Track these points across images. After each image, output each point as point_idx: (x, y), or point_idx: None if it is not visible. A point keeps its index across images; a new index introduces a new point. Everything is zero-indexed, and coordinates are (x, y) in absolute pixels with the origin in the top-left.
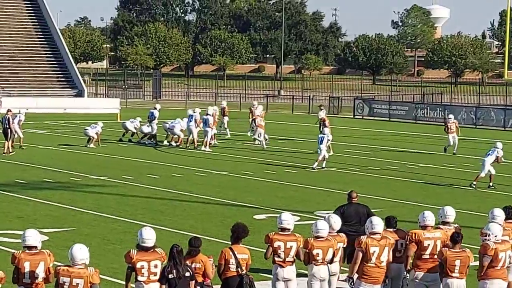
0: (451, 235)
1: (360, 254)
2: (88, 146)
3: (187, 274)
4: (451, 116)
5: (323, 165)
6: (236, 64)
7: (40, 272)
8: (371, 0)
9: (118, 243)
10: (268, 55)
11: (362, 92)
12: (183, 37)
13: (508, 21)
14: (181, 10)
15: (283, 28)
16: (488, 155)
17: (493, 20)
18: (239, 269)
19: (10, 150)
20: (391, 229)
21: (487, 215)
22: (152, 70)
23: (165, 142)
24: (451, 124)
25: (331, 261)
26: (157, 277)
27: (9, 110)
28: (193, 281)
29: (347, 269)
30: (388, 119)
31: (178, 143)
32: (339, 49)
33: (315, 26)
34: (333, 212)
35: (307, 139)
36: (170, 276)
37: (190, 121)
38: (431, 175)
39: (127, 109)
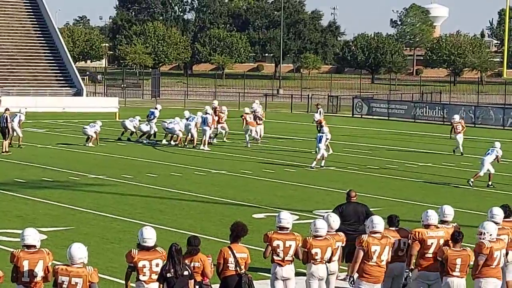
0: (451, 234)
1: (361, 253)
2: (87, 145)
3: (186, 273)
4: (455, 116)
5: (322, 164)
6: (235, 63)
7: (39, 271)
8: None
9: (117, 242)
10: (267, 54)
11: (361, 91)
12: (181, 36)
13: (507, 20)
14: (180, 9)
15: (281, 27)
16: (488, 154)
17: (492, 19)
18: (237, 268)
19: (8, 149)
20: (394, 228)
21: (486, 214)
22: (151, 69)
23: (164, 141)
24: (456, 124)
25: (330, 260)
26: None
27: (7, 109)
28: (192, 280)
29: (346, 268)
30: (387, 118)
31: (177, 142)
32: (338, 48)
33: (314, 25)
34: (332, 211)
35: (306, 138)
36: (168, 275)
37: (191, 122)
38: (430, 174)
39: (125, 108)
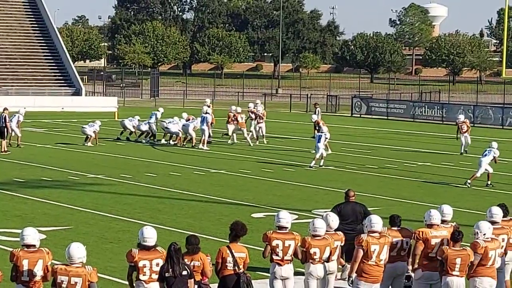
0: (451, 233)
1: (361, 253)
2: (86, 144)
3: (184, 272)
4: (460, 116)
5: (321, 164)
6: (234, 62)
7: (38, 270)
8: None
9: (115, 242)
10: (266, 54)
11: (360, 90)
12: (180, 35)
13: (506, 20)
14: (179, 9)
15: (280, 27)
16: (485, 155)
17: (491, 18)
18: (236, 268)
19: (6, 149)
20: (396, 228)
21: (485, 213)
22: (149, 69)
23: (163, 141)
24: (461, 124)
25: (328, 260)
26: None
27: (5, 109)
28: (192, 280)
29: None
30: (386, 117)
31: (175, 142)
32: (337, 47)
33: (313, 24)
34: (330, 211)
35: (305, 137)
36: (167, 274)
37: (189, 123)
38: (429, 173)
39: (124, 107)
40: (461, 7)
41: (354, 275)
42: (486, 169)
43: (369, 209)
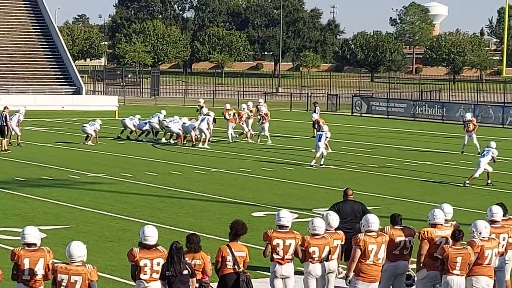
0: (452, 232)
1: (359, 252)
2: (86, 143)
3: (185, 272)
4: (467, 114)
5: (321, 163)
6: (234, 61)
7: (40, 269)
8: None
9: (116, 241)
10: (266, 53)
11: (360, 89)
12: (181, 34)
13: (507, 18)
14: (179, 8)
15: (281, 26)
16: (484, 155)
17: (492, 17)
18: (236, 267)
19: (6, 148)
20: (398, 227)
21: (485, 212)
22: (150, 68)
23: (163, 140)
24: (466, 122)
25: (328, 259)
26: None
27: (6, 108)
28: (194, 279)
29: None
30: (386, 116)
31: (176, 141)
32: (337, 46)
33: (313, 23)
34: (329, 209)
35: (305, 136)
36: (167, 273)
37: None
38: (429, 172)
39: (125, 106)
40: (462, 6)
41: (351, 274)
42: (485, 169)
43: (369, 208)
